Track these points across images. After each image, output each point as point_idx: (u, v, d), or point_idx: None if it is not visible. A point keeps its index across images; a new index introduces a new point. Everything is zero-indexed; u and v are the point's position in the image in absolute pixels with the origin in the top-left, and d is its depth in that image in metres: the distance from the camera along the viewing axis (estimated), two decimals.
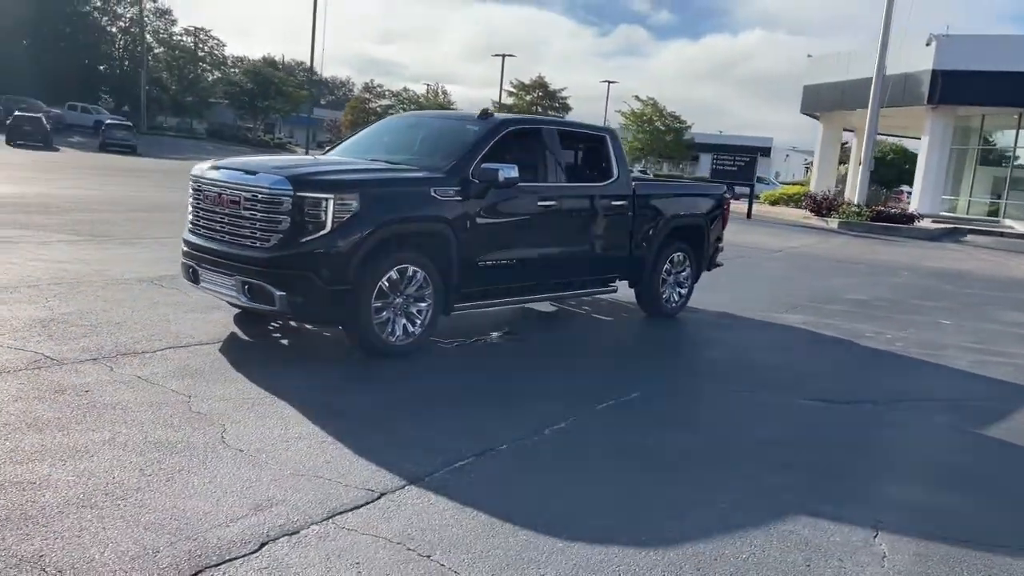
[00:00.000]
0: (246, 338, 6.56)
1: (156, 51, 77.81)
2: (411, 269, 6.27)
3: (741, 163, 26.66)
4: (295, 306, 5.91)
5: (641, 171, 49.97)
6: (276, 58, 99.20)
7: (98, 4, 74.66)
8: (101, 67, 74.09)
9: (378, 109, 74.06)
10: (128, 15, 74.35)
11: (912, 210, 30.83)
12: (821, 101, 37.32)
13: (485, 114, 7.34)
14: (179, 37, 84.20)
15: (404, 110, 77.23)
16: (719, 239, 9.67)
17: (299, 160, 6.74)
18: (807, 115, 39.92)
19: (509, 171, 6.66)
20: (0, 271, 8.14)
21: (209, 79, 79.19)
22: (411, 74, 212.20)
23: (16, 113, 39.62)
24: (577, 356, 7.19)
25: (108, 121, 45.45)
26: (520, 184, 7.10)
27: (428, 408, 5.21)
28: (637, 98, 60.95)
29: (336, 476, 3.99)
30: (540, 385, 6.01)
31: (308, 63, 63.31)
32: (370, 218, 5.98)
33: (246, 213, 6.01)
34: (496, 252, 6.95)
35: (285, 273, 5.85)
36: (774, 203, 35.55)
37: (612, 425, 5.20)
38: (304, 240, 5.83)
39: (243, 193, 6.02)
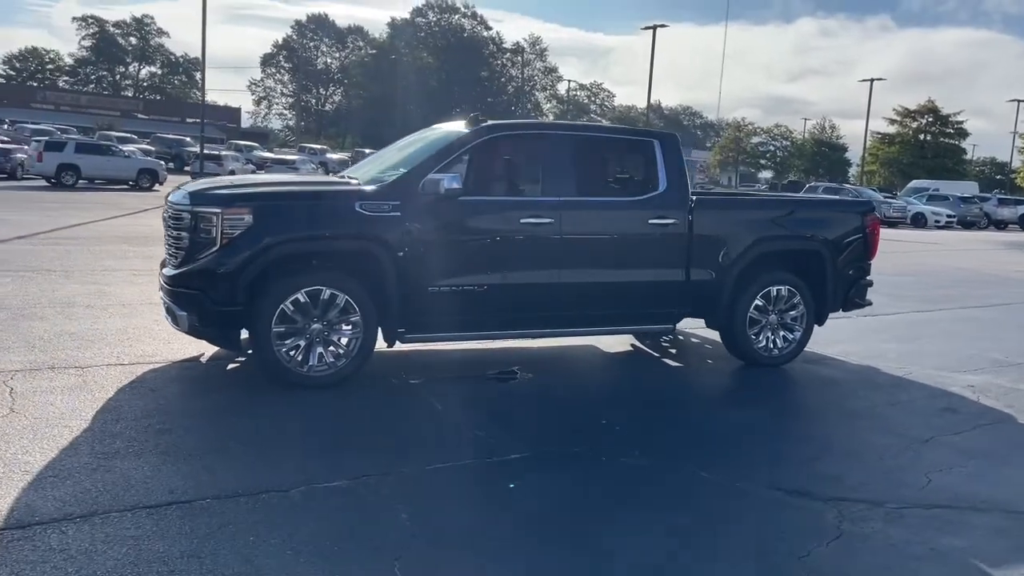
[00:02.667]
0: (204, 360, 6.43)
1: (546, 106, 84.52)
2: (327, 292, 5.65)
3: None
4: (194, 328, 5.64)
5: None
6: (664, 103, 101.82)
7: (497, 68, 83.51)
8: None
9: (748, 147, 71.72)
10: (520, 75, 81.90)
11: None
12: None
13: (474, 121, 6.43)
14: (575, 92, 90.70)
15: (775, 148, 73.84)
16: (862, 270, 7.39)
17: (250, 177, 6.50)
18: None
19: (451, 181, 5.75)
20: (133, 291, 9.09)
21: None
22: (817, 110, 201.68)
23: None
24: (543, 408, 5.78)
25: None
26: (491, 198, 6.16)
27: (229, 446, 4.57)
28: None
29: None
30: (407, 435, 4.97)
31: (702, 109, 63.56)
32: (265, 234, 5.50)
33: (169, 232, 5.94)
34: (457, 277, 5.99)
35: (183, 292, 5.62)
36: None
37: (399, 494, 4.06)
38: (199, 257, 5.56)
39: (169, 211, 5.96)
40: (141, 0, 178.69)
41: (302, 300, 5.60)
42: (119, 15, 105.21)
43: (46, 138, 32.56)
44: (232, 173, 37.65)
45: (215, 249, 5.49)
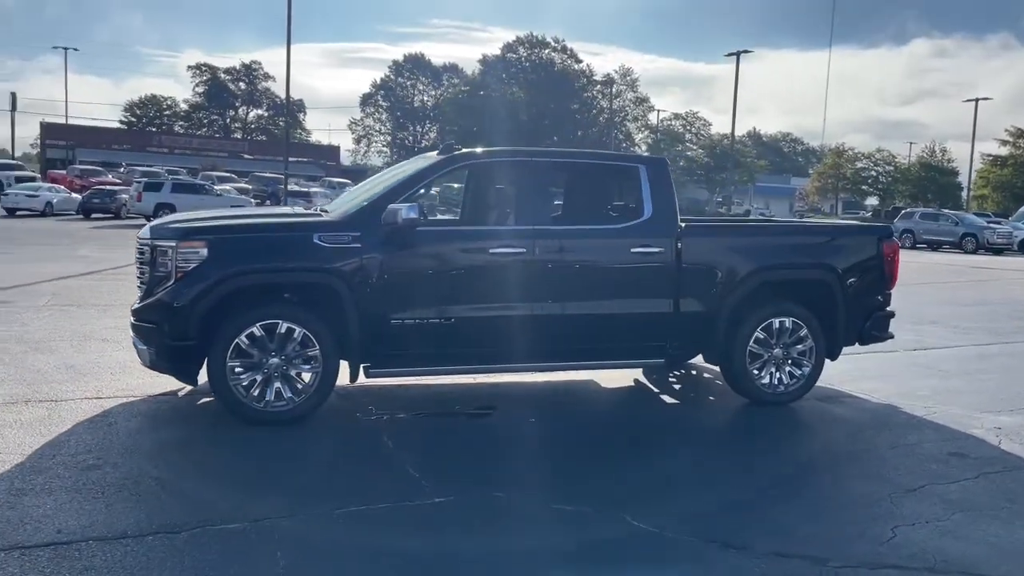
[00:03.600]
0: (180, 394, 6.41)
1: (637, 136, 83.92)
2: (284, 325, 5.55)
3: None
4: (153, 362, 5.64)
5: None
6: (765, 131, 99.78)
7: (587, 100, 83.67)
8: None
9: (848, 173, 69.00)
10: (609, 107, 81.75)
11: None
12: None
13: (446, 149, 6.26)
14: (669, 121, 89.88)
15: (876, 171, 70.89)
16: (880, 301, 6.79)
17: (216, 212, 6.49)
18: None
19: (409, 211, 5.59)
20: None
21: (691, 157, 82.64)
22: (932, 133, 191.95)
23: None
24: (499, 448, 5.47)
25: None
26: (455, 228, 5.99)
27: (147, 485, 4.47)
28: None
29: None
30: (339, 475, 4.81)
31: (806, 135, 61.98)
32: (219, 267, 5.46)
33: (136, 266, 5.99)
34: (420, 309, 5.81)
35: (143, 326, 5.64)
36: None
37: (290, 539, 3.87)
38: (157, 291, 5.56)
39: (136, 245, 6.01)
40: (255, 48, 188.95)
41: (258, 334, 5.51)
42: (231, 62, 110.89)
43: (146, 179, 34.38)
44: None
45: (171, 283, 5.48)
